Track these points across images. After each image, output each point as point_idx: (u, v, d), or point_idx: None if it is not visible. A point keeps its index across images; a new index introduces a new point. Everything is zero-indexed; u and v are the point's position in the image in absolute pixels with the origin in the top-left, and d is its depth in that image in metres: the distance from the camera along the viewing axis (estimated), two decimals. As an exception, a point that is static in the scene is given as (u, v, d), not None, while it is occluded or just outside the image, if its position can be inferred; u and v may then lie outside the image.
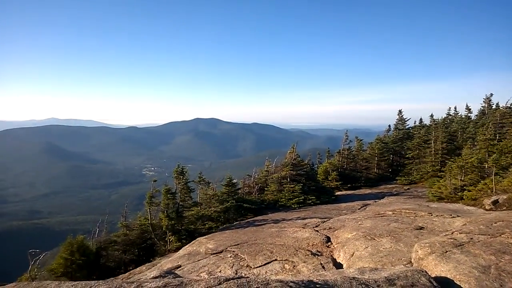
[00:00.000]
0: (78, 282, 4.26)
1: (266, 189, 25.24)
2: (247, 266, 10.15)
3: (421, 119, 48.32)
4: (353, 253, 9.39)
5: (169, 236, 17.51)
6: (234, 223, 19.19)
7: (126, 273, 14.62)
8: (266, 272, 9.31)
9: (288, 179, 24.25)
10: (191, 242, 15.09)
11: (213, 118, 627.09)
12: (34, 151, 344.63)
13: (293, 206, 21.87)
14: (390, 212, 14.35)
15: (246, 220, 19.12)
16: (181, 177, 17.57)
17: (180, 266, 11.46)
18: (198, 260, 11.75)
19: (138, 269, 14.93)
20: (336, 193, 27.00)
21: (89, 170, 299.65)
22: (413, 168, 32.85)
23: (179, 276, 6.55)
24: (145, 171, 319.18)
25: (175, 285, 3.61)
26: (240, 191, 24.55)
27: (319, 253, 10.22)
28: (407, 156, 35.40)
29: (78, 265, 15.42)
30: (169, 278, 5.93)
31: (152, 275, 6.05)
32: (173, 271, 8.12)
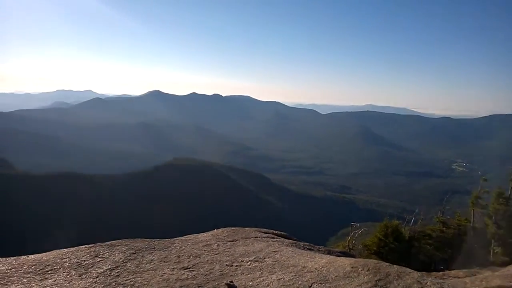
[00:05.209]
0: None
1: None
2: None
3: None
4: None
5: (493, 246, 15.05)
6: None
7: (440, 273, 13.67)
8: None
9: None
10: (527, 262, 12.43)
11: None
12: (351, 133, 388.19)
13: None
14: None
15: None
16: (520, 181, 14.53)
17: (516, 289, 9.45)
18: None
19: (453, 272, 13.64)
20: None
21: (396, 156, 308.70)
22: None
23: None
24: (455, 166, 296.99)
25: None
26: None
27: None
28: None
29: (390, 248, 15.75)
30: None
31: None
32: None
